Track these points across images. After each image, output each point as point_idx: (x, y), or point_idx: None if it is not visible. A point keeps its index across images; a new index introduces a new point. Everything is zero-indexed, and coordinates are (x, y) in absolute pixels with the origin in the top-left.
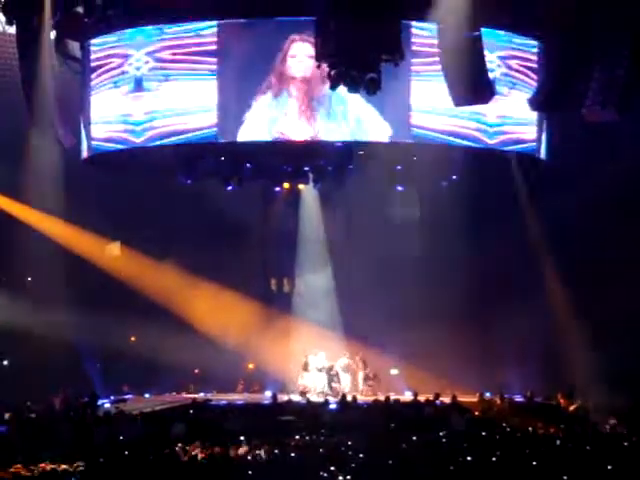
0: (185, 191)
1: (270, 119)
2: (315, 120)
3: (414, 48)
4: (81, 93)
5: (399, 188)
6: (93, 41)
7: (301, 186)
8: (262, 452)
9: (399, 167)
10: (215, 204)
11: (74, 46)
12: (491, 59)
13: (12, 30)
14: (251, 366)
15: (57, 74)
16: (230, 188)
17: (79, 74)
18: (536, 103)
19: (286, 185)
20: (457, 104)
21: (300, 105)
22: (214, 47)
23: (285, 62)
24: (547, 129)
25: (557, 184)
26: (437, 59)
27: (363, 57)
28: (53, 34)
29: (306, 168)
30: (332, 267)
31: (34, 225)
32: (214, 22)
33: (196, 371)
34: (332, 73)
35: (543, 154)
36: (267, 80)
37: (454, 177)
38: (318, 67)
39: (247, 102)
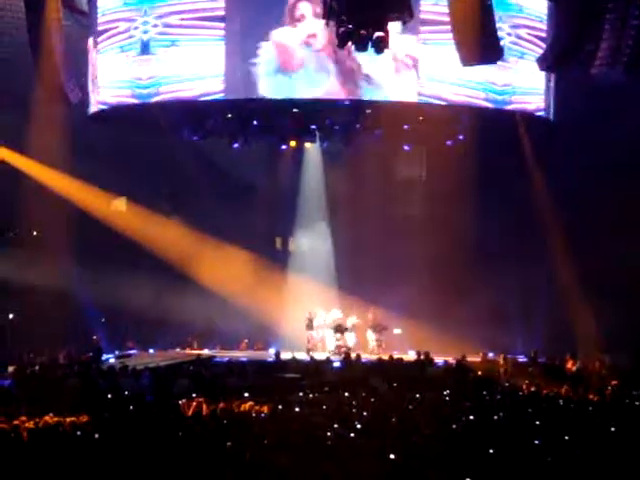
0: (192, 148)
1: (276, 78)
2: (322, 78)
3: (422, 16)
4: (88, 50)
5: (406, 147)
6: (100, 9)
7: (307, 144)
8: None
9: (406, 126)
10: (222, 162)
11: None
12: (501, 27)
13: None
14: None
15: (64, 28)
16: (236, 146)
17: (86, 28)
18: (545, 63)
19: (292, 143)
20: (465, 63)
21: (308, 64)
22: (222, 13)
23: (292, 20)
24: (555, 91)
25: (564, 146)
26: (445, 27)
27: (372, 15)
28: None
29: (313, 126)
30: (334, 225)
31: (41, 180)
32: None
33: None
34: (340, 31)
35: (551, 115)
36: (274, 39)
37: (461, 137)
38: (327, 25)
39: (254, 62)
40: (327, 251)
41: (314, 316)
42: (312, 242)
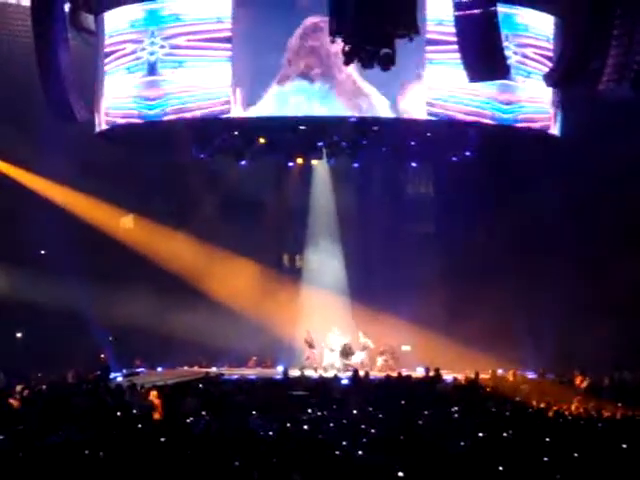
0: (200, 165)
1: (284, 96)
2: (330, 96)
3: (428, 36)
4: (95, 68)
5: (413, 164)
6: (106, 30)
7: (314, 161)
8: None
9: (412, 143)
10: (230, 179)
11: (88, 19)
12: (508, 46)
13: (26, 2)
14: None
15: (71, 47)
16: (243, 163)
17: (93, 47)
18: (552, 79)
19: (299, 160)
20: (471, 79)
21: (316, 82)
22: (228, 34)
23: (302, 42)
24: (562, 106)
25: (570, 161)
26: (450, 46)
27: (378, 31)
28: (67, 6)
29: (320, 143)
30: (343, 241)
31: (49, 197)
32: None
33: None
34: (346, 48)
35: (557, 131)
36: (283, 61)
37: (467, 153)
38: (332, 42)
39: (261, 84)
40: (336, 268)
41: (313, 336)
42: (321, 259)
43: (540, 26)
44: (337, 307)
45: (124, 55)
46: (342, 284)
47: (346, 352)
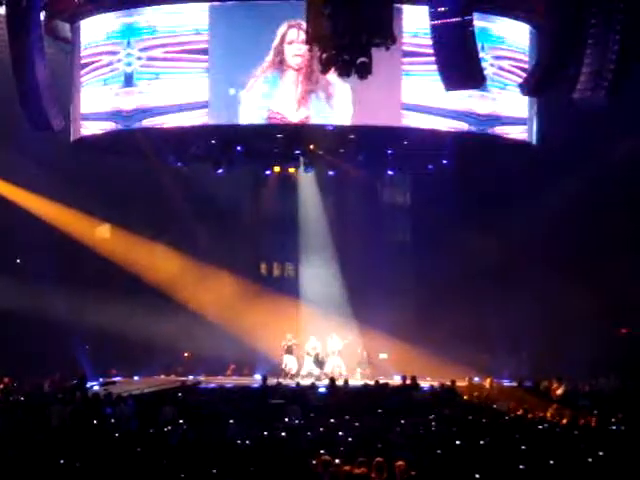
0: (177, 174)
1: (262, 104)
2: (308, 104)
3: (404, 48)
4: (71, 78)
5: (390, 172)
6: (82, 42)
7: (292, 170)
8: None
9: (390, 151)
10: (206, 187)
11: (64, 27)
12: (484, 57)
13: (2, 11)
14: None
15: (47, 56)
16: (220, 171)
17: (69, 55)
18: (527, 87)
19: (277, 169)
20: (448, 88)
21: (295, 90)
22: (205, 45)
23: (281, 48)
24: (538, 114)
25: (548, 169)
26: (426, 58)
27: (355, 40)
28: (43, 15)
29: (297, 152)
30: (320, 250)
31: (24, 207)
32: (206, 4)
33: (186, 354)
34: (323, 56)
35: (534, 138)
36: (260, 66)
37: (444, 162)
38: (310, 50)
39: (238, 94)
40: (313, 276)
41: (290, 342)
42: (300, 268)
43: (516, 38)
44: (314, 315)
45: (100, 67)
46: (317, 292)
47: (319, 361)
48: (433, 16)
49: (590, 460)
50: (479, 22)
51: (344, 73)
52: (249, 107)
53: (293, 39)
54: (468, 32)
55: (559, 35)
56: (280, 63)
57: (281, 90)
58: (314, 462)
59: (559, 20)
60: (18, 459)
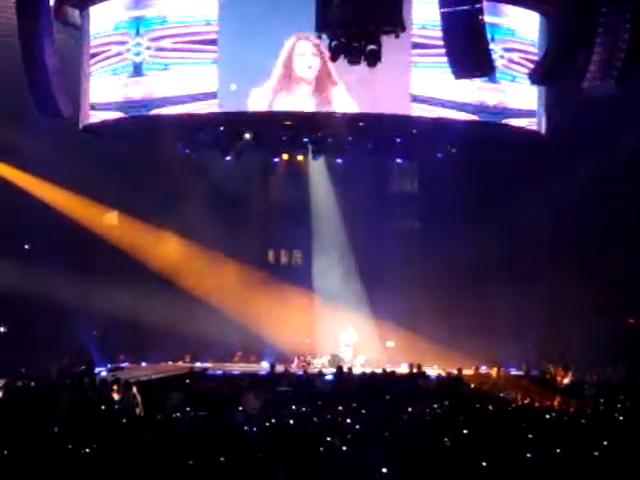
0: (185, 161)
1: (269, 93)
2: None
3: (413, 40)
4: (80, 66)
5: (398, 161)
6: (92, 31)
7: (300, 157)
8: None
9: (398, 140)
10: (215, 174)
11: (74, 13)
12: (494, 48)
13: None
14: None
15: (56, 41)
16: (228, 159)
17: (78, 42)
18: (536, 77)
19: (285, 156)
20: (457, 77)
21: (305, 91)
22: (215, 36)
23: (291, 60)
24: (547, 104)
25: (556, 159)
26: (435, 50)
27: (364, 28)
28: (52, 1)
29: (305, 139)
30: (329, 238)
31: (33, 192)
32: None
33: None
34: (333, 44)
35: (543, 129)
36: (270, 73)
37: (453, 150)
38: (319, 37)
39: (248, 85)
40: (321, 263)
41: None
42: (309, 256)
43: (526, 30)
44: (321, 302)
45: (109, 57)
46: (325, 280)
47: (334, 362)
48: (443, 4)
49: (597, 449)
50: (490, 18)
51: (354, 61)
52: (258, 99)
53: (303, 52)
54: (477, 20)
55: (569, 23)
56: (289, 76)
57: (290, 82)
58: None
59: (570, 8)
60: (29, 444)
